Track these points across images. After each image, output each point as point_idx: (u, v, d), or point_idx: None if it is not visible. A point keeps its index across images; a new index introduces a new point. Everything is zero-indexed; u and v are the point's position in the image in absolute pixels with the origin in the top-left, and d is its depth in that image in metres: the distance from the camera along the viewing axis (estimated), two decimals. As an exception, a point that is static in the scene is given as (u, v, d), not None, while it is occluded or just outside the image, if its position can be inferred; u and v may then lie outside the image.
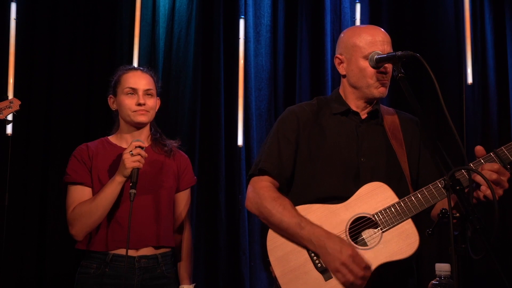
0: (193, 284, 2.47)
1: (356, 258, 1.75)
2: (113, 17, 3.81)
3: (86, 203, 2.26)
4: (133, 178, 2.18)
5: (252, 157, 3.71)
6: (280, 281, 1.85)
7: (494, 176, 1.69)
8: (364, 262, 1.75)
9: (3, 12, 3.56)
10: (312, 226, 1.83)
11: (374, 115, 2.03)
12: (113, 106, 2.44)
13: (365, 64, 1.95)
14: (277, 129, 2.07)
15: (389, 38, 2.01)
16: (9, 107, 2.59)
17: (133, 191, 2.15)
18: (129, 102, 2.35)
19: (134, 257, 2.26)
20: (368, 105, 2.04)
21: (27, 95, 3.58)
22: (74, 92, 3.68)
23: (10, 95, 3.44)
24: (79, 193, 2.31)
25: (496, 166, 1.71)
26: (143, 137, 2.44)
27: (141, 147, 2.23)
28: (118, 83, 2.41)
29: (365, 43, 1.97)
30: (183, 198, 2.51)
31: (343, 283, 1.76)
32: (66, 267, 3.50)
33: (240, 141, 3.71)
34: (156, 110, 2.47)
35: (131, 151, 2.20)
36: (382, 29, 2.03)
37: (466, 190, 1.49)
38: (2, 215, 3.35)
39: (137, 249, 2.28)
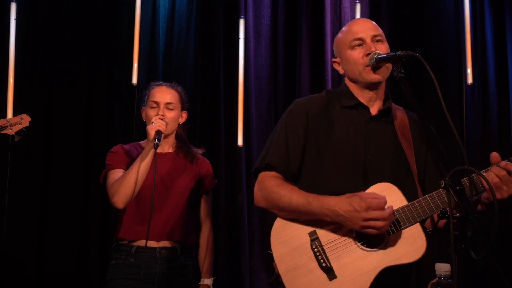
0: (212, 278, 2.70)
1: (373, 204, 1.72)
2: (113, 17, 3.81)
3: (122, 174, 2.50)
4: (157, 139, 2.43)
5: (252, 157, 3.71)
6: (284, 278, 1.84)
7: (495, 180, 1.69)
8: (380, 202, 1.73)
9: (3, 12, 3.56)
10: (319, 199, 1.82)
11: (386, 113, 2.02)
12: (143, 117, 2.68)
13: (350, 52, 2.00)
14: (285, 122, 2.03)
15: (373, 24, 2.03)
16: (19, 123, 2.67)
17: (157, 142, 2.42)
18: (151, 114, 2.58)
19: (155, 248, 2.50)
20: (373, 94, 2.01)
21: (27, 94, 3.59)
22: (74, 91, 3.68)
23: (10, 94, 3.45)
24: (118, 174, 2.52)
25: (503, 172, 1.69)
26: (168, 145, 2.68)
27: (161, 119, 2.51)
28: (147, 97, 2.67)
29: (346, 34, 2.04)
30: (204, 200, 2.74)
31: (378, 232, 1.74)
32: (67, 266, 3.51)
33: (240, 141, 3.71)
34: (182, 122, 2.70)
35: (152, 121, 2.48)
36: (366, 19, 2.09)
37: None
38: (2, 215, 3.35)
39: (158, 241, 2.51)
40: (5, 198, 3.35)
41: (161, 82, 2.71)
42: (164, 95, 2.61)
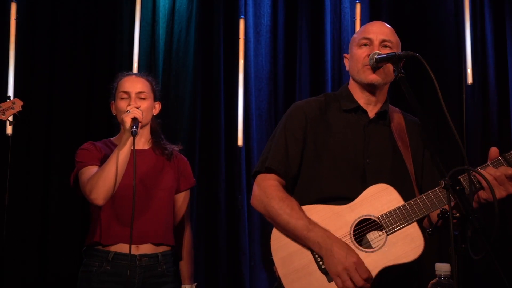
0: (195, 284, 2.54)
1: (360, 267, 1.74)
2: (113, 17, 3.81)
3: (99, 168, 2.31)
4: (135, 126, 2.26)
5: (252, 157, 3.71)
6: (284, 281, 1.85)
7: (498, 173, 1.69)
8: (367, 273, 1.74)
9: (3, 12, 3.56)
10: (320, 229, 1.82)
11: (383, 115, 2.02)
12: (113, 111, 2.52)
13: (356, 50, 2.01)
14: (285, 125, 2.04)
15: (388, 30, 2.03)
16: (11, 108, 2.60)
17: (135, 130, 2.24)
18: (122, 106, 2.41)
19: (135, 256, 2.32)
20: (373, 97, 2.02)
21: (27, 94, 3.58)
22: (75, 91, 3.68)
23: (11, 95, 3.44)
24: (93, 170, 2.33)
25: (498, 173, 1.69)
26: (143, 140, 2.52)
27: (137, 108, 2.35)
28: (115, 89, 2.50)
29: (359, 32, 2.06)
30: (182, 199, 2.59)
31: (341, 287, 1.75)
32: (68, 267, 3.50)
33: (240, 141, 3.71)
34: (155, 114, 2.55)
35: (127, 110, 2.31)
36: (384, 23, 2.07)
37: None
38: (2, 215, 3.35)
39: (137, 245, 2.34)
40: (5, 198, 3.34)
41: (129, 72, 2.58)
42: (135, 84, 2.45)
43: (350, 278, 1.72)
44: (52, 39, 3.72)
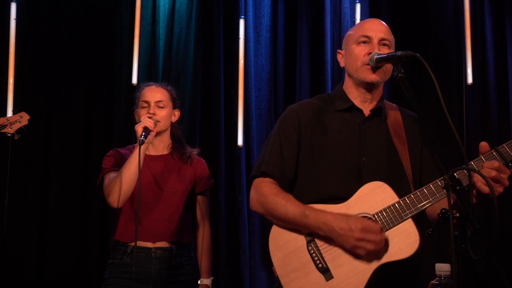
0: (212, 278, 2.72)
1: (368, 227, 1.75)
2: (113, 17, 3.81)
3: (116, 175, 2.53)
4: (143, 135, 2.44)
5: (252, 157, 3.71)
6: (282, 281, 1.86)
7: (493, 173, 1.69)
8: (375, 227, 1.76)
9: (3, 12, 3.56)
10: (316, 213, 1.83)
11: (378, 112, 2.02)
12: (137, 119, 2.70)
13: (354, 47, 2.01)
14: (279, 129, 2.05)
15: (385, 28, 2.04)
16: (18, 122, 2.65)
17: (142, 139, 2.43)
18: (142, 114, 2.62)
19: (150, 248, 2.55)
20: (369, 94, 2.01)
21: (27, 94, 3.59)
22: (74, 91, 3.69)
23: (10, 94, 3.45)
24: (113, 176, 2.55)
25: (496, 164, 1.70)
26: (162, 145, 2.71)
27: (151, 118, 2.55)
28: (138, 98, 2.72)
29: (357, 29, 2.06)
30: (200, 200, 2.75)
31: (366, 254, 1.77)
32: (67, 267, 3.51)
33: (240, 141, 3.71)
34: (174, 120, 2.74)
35: (141, 120, 2.52)
36: (381, 21, 2.08)
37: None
38: (2, 215, 3.35)
39: (153, 241, 2.56)
40: (5, 198, 3.34)
41: (150, 83, 2.77)
42: (154, 94, 2.65)
43: (368, 242, 1.74)
44: (52, 39, 3.72)
